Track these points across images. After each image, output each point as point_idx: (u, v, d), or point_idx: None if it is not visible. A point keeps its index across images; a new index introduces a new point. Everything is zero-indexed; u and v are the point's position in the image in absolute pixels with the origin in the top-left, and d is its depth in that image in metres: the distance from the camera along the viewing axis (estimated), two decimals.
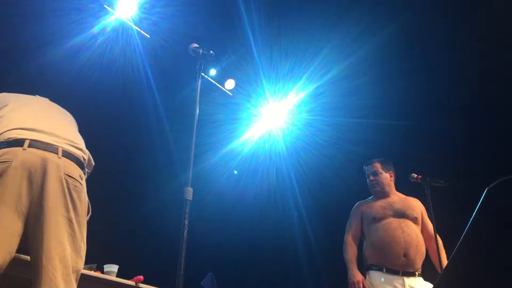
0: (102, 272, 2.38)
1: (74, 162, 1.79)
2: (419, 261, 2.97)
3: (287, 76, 4.82)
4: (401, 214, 3.07)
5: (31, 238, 1.61)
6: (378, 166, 3.29)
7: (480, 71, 4.15)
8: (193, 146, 2.08)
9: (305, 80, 4.77)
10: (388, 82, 4.44)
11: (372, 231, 3.09)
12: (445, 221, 2.97)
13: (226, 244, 5.02)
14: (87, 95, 3.89)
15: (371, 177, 3.28)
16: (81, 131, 2.08)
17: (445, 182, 3.07)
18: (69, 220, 1.66)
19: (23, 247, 1.64)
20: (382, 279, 2.92)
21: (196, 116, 2.16)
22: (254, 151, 5.55)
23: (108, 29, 3.99)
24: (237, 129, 5.39)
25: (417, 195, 3.24)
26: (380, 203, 3.18)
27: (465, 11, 3.91)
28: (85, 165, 1.88)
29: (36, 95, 2.12)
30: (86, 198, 1.80)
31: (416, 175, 3.14)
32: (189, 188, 1.98)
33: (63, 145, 1.78)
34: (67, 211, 1.66)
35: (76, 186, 1.72)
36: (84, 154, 1.89)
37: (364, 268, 3.10)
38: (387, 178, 3.27)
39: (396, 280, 2.90)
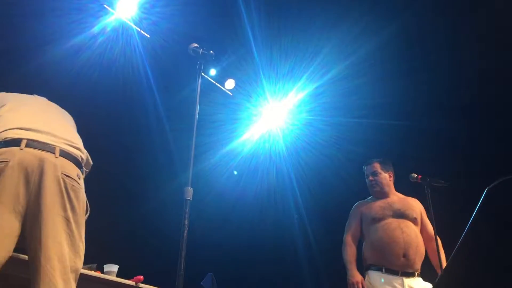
0: (102, 272, 2.38)
1: (71, 161, 1.78)
2: (418, 262, 2.97)
3: (287, 76, 4.82)
4: (401, 215, 3.07)
5: (29, 238, 1.60)
6: (377, 166, 3.29)
7: (480, 71, 4.15)
8: (193, 146, 2.08)
9: (305, 80, 4.77)
10: (388, 82, 4.44)
11: (372, 232, 3.09)
12: (445, 221, 2.97)
13: (226, 244, 5.02)
14: (87, 95, 3.89)
15: (370, 177, 3.27)
16: (81, 131, 2.07)
17: (445, 182, 3.07)
18: (67, 220, 1.66)
19: (21, 247, 1.63)
20: (382, 280, 2.92)
21: (196, 116, 2.16)
22: (254, 151, 5.55)
23: (108, 29, 3.99)
24: (237, 129, 5.39)
25: (417, 195, 3.24)
26: (380, 203, 3.18)
27: (465, 11, 3.91)
28: (83, 164, 1.88)
29: (35, 95, 2.12)
30: (84, 198, 1.79)
31: (416, 175, 3.14)
32: (189, 188, 1.99)
33: (60, 144, 1.78)
34: (65, 210, 1.66)
35: (73, 185, 1.72)
36: (82, 153, 1.89)
37: (363, 268, 3.10)
38: (386, 178, 3.26)
39: (395, 280, 2.90)
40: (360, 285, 2.95)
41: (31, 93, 2.11)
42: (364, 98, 4.69)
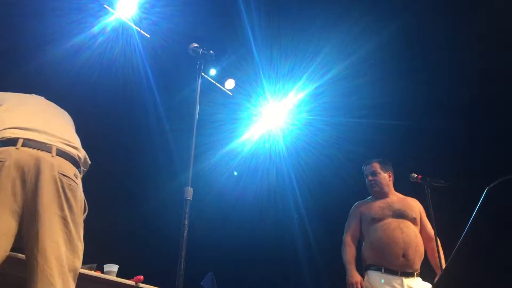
0: (102, 272, 2.38)
1: (68, 161, 1.78)
2: (418, 262, 2.97)
3: (287, 76, 4.82)
4: (400, 215, 3.07)
5: (25, 238, 1.60)
6: (376, 166, 3.29)
7: (480, 71, 4.15)
8: (193, 146, 2.08)
9: (305, 80, 4.77)
10: (388, 82, 4.44)
11: (371, 232, 3.09)
12: (445, 221, 2.97)
13: (226, 244, 5.02)
14: (87, 95, 3.90)
15: (370, 177, 3.27)
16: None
17: (445, 182, 3.07)
18: (64, 219, 1.65)
19: (18, 246, 1.63)
20: (382, 281, 2.92)
21: (196, 116, 2.17)
22: (254, 151, 5.55)
23: (108, 29, 3.99)
24: (237, 129, 5.39)
25: (417, 195, 3.24)
26: (379, 203, 3.18)
27: (465, 11, 3.91)
28: (80, 163, 1.87)
29: (33, 94, 2.11)
30: (82, 197, 1.79)
31: (416, 175, 3.14)
32: (189, 188, 1.99)
33: (57, 144, 1.78)
34: (62, 210, 1.66)
35: (70, 184, 1.71)
36: (80, 152, 1.88)
37: (362, 269, 3.10)
38: (385, 178, 3.26)
39: (395, 280, 2.90)
40: (359, 285, 2.95)
41: (30, 93, 2.11)
42: (364, 98, 4.69)
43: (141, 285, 2.39)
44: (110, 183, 4.20)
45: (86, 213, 1.82)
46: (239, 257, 5.10)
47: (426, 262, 3.07)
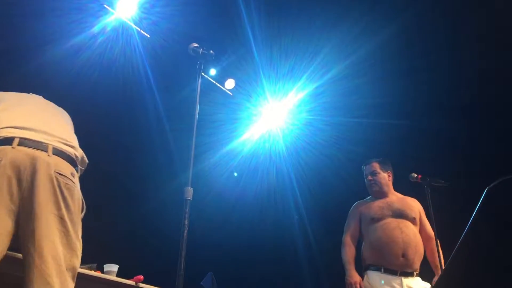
0: (102, 272, 2.38)
1: (65, 159, 1.77)
2: (417, 261, 2.97)
3: (287, 76, 4.82)
4: (400, 214, 3.07)
5: (22, 237, 1.60)
6: (376, 166, 3.29)
7: (480, 71, 4.15)
8: (193, 146, 2.08)
9: (305, 79, 4.77)
10: (388, 82, 4.44)
11: (371, 232, 3.09)
12: (445, 221, 2.97)
13: (226, 244, 5.02)
14: (87, 95, 3.90)
15: (369, 177, 3.27)
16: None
17: (445, 182, 3.06)
18: (61, 218, 1.65)
19: (15, 246, 1.63)
20: (382, 282, 2.92)
21: (196, 116, 2.16)
22: (254, 151, 5.55)
23: (108, 28, 3.99)
24: (237, 129, 5.39)
25: (417, 195, 3.24)
26: (379, 203, 3.17)
27: (465, 11, 3.91)
28: (77, 162, 1.87)
29: (31, 93, 2.11)
30: (80, 196, 1.78)
31: (416, 175, 3.14)
32: (189, 188, 1.99)
33: (54, 143, 1.77)
34: (58, 209, 1.65)
35: (67, 183, 1.71)
36: (77, 151, 1.87)
37: (362, 268, 3.10)
38: (385, 178, 3.26)
39: (394, 280, 2.90)
40: (358, 286, 2.94)
41: (29, 93, 2.11)
42: (364, 98, 4.69)
43: (141, 285, 2.39)
44: (110, 183, 4.20)
45: (84, 212, 1.81)
46: (239, 257, 5.10)
47: (425, 262, 3.06)
